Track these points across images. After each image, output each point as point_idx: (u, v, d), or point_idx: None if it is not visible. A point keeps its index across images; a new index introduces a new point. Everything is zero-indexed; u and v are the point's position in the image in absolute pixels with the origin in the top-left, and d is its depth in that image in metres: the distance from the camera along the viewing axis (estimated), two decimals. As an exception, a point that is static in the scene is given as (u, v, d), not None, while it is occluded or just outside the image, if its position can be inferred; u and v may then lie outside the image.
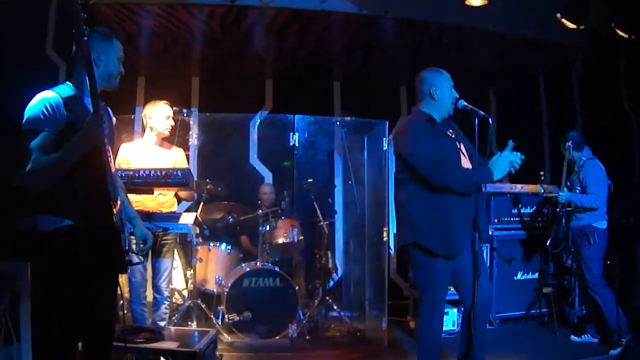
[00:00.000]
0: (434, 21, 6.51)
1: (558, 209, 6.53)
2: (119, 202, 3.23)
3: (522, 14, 6.71)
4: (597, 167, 6.38)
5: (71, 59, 3.31)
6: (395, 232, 7.10)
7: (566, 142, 6.49)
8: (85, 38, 2.96)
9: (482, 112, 4.27)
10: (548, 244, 6.67)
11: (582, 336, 6.48)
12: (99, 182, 3.13)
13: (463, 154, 4.42)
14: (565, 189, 6.47)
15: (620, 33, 6.69)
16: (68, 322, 3.07)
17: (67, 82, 3.27)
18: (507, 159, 4.24)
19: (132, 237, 3.44)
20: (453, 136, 4.47)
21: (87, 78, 3.02)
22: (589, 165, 6.39)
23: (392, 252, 8.20)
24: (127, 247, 3.24)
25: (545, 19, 6.74)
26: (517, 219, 7.45)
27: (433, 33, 6.90)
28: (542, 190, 7.46)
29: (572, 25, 6.52)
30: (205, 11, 6.11)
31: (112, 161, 3.28)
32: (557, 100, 9.27)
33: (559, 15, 6.51)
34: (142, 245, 3.56)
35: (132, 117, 7.99)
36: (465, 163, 4.40)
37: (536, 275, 7.47)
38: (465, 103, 4.40)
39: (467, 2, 6.07)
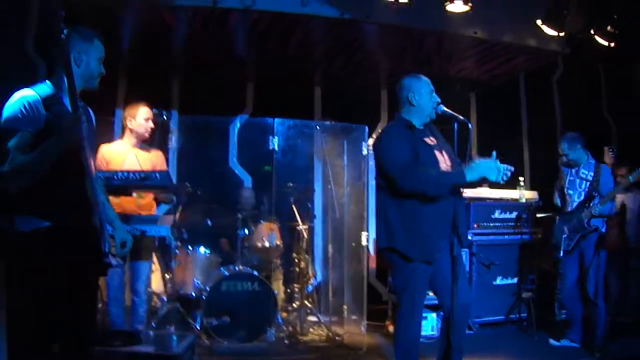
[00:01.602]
0: (415, 26, 6.53)
1: (585, 220, 6.25)
2: (98, 204, 3.20)
3: (503, 20, 6.76)
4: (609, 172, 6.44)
5: (51, 58, 3.28)
6: (374, 236, 7.12)
7: (562, 145, 6.50)
8: (64, 37, 2.94)
9: (461, 117, 4.30)
10: (563, 250, 6.45)
11: (561, 341, 6.51)
12: (77, 183, 3.10)
13: (444, 161, 4.44)
14: (596, 202, 6.22)
15: (600, 40, 6.75)
16: (45, 325, 3.03)
17: (47, 81, 3.23)
18: (484, 164, 4.21)
19: (112, 239, 3.41)
20: (432, 143, 4.49)
21: (67, 78, 3.00)
22: (606, 171, 6.39)
23: (371, 256, 8.21)
24: (106, 250, 3.21)
25: (526, 26, 6.80)
26: (496, 224, 7.49)
27: (414, 38, 6.93)
28: (522, 196, 7.51)
29: (552, 32, 6.57)
30: (187, 13, 6.09)
31: (92, 162, 3.25)
32: (537, 106, 9.35)
33: (539, 21, 6.57)
34: (121, 248, 3.52)
35: (112, 118, 7.94)
36: (446, 170, 4.42)
37: (515, 280, 7.51)
38: (445, 108, 4.42)
39: (449, 8, 6.09)
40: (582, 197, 6.40)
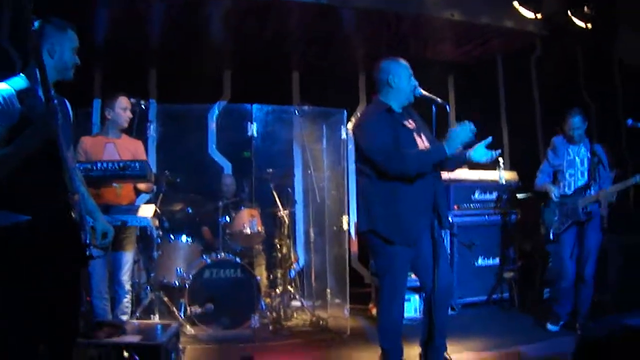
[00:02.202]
0: (392, 10, 6.53)
1: (580, 207, 6.05)
2: (77, 196, 3.19)
3: (479, 2, 6.77)
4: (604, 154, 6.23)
5: (25, 51, 3.25)
6: (355, 220, 7.15)
7: (574, 118, 6.18)
8: (35, 29, 2.91)
9: (439, 100, 4.34)
10: (552, 233, 6.27)
11: (560, 323, 6.34)
12: (55, 176, 3.08)
13: (423, 143, 4.47)
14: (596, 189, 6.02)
15: (577, 22, 6.78)
16: (28, 318, 3.03)
17: (21, 74, 3.20)
18: (461, 131, 4.24)
19: (93, 230, 3.40)
20: (411, 126, 4.52)
21: (40, 70, 2.97)
22: (602, 152, 6.17)
23: (353, 239, 8.24)
24: (87, 241, 3.20)
25: (503, 7, 6.82)
26: (476, 205, 7.54)
27: (391, 22, 6.93)
28: (501, 177, 7.54)
29: (529, 14, 6.60)
30: (162, 1, 6.05)
31: (71, 154, 3.24)
32: (516, 88, 9.39)
33: (516, 3, 6.59)
34: (102, 239, 3.51)
35: (90, 109, 7.88)
36: None
37: (497, 260, 7.58)
38: (422, 91, 4.45)
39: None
40: (585, 178, 6.18)
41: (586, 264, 6.08)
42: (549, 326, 6.35)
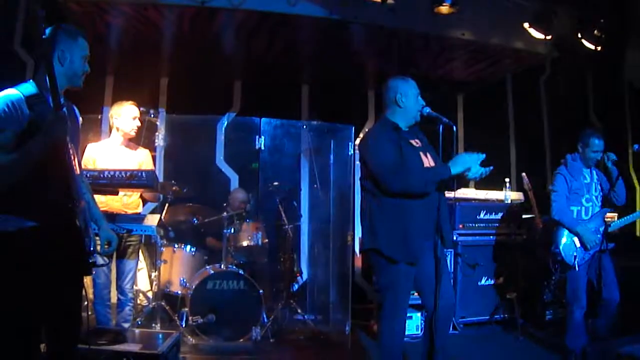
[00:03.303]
0: (403, 28, 6.55)
1: (600, 237, 5.74)
2: (82, 203, 3.21)
3: (490, 22, 6.78)
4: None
5: (36, 57, 3.27)
6: (360, 236, 7.15)
7: (598, 140, 5.87)
8: (47, 36, 2.93)
9: (445, 119, 4.35)
10: (577, 264, 5.79)
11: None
12: (61, 182, 3.10)
13: (429, 162, 4.48)
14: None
15: (586, 44, 6.81)
16: (31, 325, 3.04)
17: (31, 81, 3.22)
18: (468, 156, 4.27)
19: (97, 238, 3.41)
20: (418, 145, 4.53)
21: (49, 77, 2.99)
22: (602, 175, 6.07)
23: (357, 254, 8.24)
24: (91, 249, 3.22)
25: (513, 28, 6.83)
26: (481, 225, 7.52)
27: (402, 39, 6.95)
28: (507, 197, 7.53)
29: (539, 35, 6.62)
30: (175, 12, 6.07)
31: (78, 161, 3.26)
32: (525, 107, 9.40)
33: (526, 24, 6.61)
34: (106, 247, 3.52)
35: (100, 116, 7.92)
36: None
37: (500, 280, 7.53)
38: (430, 110, 4.47)
39: (436, 10, 6.11)
40: (599, 203, 5.95)
41: (613, 286, 5.78)
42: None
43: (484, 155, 4.29)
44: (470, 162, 4.26)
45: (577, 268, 5.75)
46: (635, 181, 8.44)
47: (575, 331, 5.84)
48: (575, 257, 5.76)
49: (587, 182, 5.96)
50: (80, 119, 3.63)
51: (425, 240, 4.35)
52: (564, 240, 5.84)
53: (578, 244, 5.80)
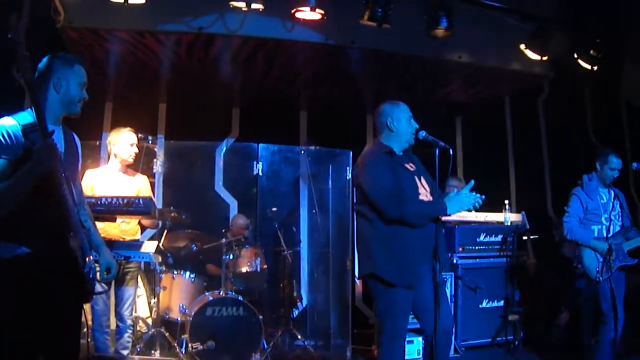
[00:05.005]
0: (400, 52, 6.58)
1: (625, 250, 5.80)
2: (80, 230, 3.20)
3: (487, 44, 6.82)
4: None
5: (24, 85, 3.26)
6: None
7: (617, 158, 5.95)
8: (27, 65, 2.91)
9: (442, 143, 4.38)
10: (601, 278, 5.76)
11: None
12: (56, 209, 3.09)
13: (423, 187, 4.49)
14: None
15: (583, 64, 6.84)
16: (27, 353, 3.02)
17: (28, 109, 3.21)
18: (465, 197, 4.31)
19: (97, 265, 3.40)
20: (412, 169, 4.55)
21: (34, 104, 2.98)
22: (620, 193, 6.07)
23: (357, 281, 8.21)
24: (91, 276, 3.20)
25: (510, 50, 6.87)
26: (481, 247, 7.50)
27: (399, 63, 6.98)
28: (507, 219, 7.52)
29: (536, 56, 6.65)
30: (172, 39, 6.10)
31: (74, 188, 3.25)
32: (523, 129, 9.43)
33: (523, 46, 6.65)
34: (106, 274, 3.50)
35: (98, 143, 7.92)
36: (425, 197, 4.47)
37: (502, 302, 7.50)
38: (426, 134, 4.49)
39: (432, 33, 6.13)
40: (619, 222, 5.96)
41: (619, 306, 5.75)
42: None
43: (472, 183, 4.31)
44: (466, 205, 4.32)
45: (600, 280, 5.72)
46: (637, 200, 8.44)
47: (603, 351, 5.77)
48: (598, 271, 5.75)
49: (604, 202, 5.98)
50: (79, 145, 3.63)
51: (422, 265, 4.34)
52: (586, 255, 5.87)
53: (600, 258, 5.80)
